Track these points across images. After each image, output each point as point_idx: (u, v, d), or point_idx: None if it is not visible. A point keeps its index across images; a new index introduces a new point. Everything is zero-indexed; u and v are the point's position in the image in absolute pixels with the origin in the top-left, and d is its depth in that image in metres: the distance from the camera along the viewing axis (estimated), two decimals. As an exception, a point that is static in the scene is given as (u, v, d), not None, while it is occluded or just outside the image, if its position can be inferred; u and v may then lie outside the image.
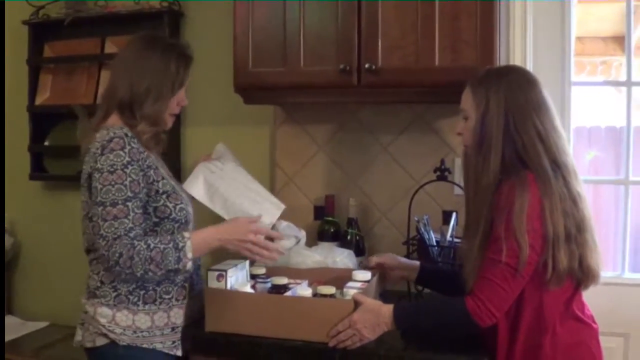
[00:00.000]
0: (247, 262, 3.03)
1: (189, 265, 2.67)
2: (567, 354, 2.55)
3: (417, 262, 3.17)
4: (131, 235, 2.60)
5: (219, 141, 4.03)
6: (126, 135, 2.69)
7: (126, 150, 2.65)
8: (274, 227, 3.24)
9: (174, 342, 2.83)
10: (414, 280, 3.16)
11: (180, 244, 2.65)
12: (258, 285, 2.99)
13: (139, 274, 2.61)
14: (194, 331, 2.86)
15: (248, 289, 2.89)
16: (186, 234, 2.69)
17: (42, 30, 4.38)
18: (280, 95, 3.49)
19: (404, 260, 3.22)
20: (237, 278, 2.92)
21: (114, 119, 2.80)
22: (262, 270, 3.09)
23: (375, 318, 2.65)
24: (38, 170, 4.44)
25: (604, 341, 2.70)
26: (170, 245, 2.63)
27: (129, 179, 2.63)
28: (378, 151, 3.77)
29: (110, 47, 4.25)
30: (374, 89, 3.25)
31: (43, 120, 4.42)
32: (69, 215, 4.34)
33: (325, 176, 3.87)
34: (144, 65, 2.81)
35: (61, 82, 4.38)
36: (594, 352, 2.62)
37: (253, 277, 3.05)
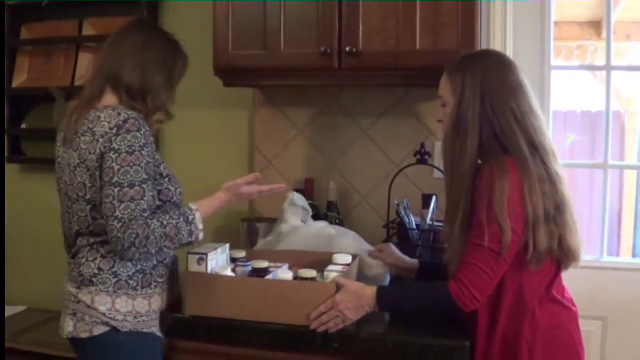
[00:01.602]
0: (227, 245, 3.02)
1: (201, 235, 2.68)
2: (546, 337, 2.56)
3: (415, 261, 3.14)
4: (145, 215, 2.57)
5: (198, 124, 4.03)
6: (139, 116, 2.66)
7: (142, 132, 2.62)
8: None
9: (158, 324, 2.82)
10: (414, 278, 3.12)
11: (190, 217, 2.65)
12: (238, 269, 2.98)
13: (153, 252, 2.60)
14: (174, 315, 2.85)
15: (228, 272, 2.88)
16: (193, 206, 2.69)
17: (19, 12, 4.35)
18: (260, 78, 3.48)
19: (403, 259, 3.15)
20: (218, 261, 2.91)
21: (112, 100, 2.75)
22: (242, 254, 3.08)
23: (358, 299, 2.64)
24: (15, 153, 4.41)
25: (583, 324, 2.72)
26: (181, 219, 2.63)
27: (144, 160, 2.60)
28: (358, 134, 3.78)
29: (88, 29, 4.23)
30: (355, 72, 3.27)
31: (20, 103, 4.40)
32: (46, 198, 4.31)
33: (305, 159, 3.88)
34: (157, 54, 2.80)
35: (38, 64, 4.35)
36: (573, 335, 2.64)
37: (233, 260, 3.03)
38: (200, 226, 2.67)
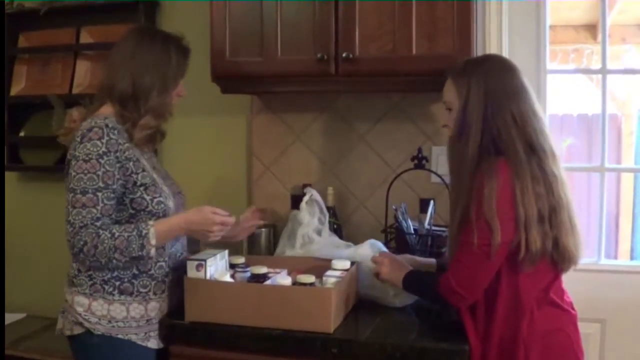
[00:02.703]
0: (227, 252, 3.03)
1: (153, 252, 2.66)
2: (544, 339, 2.57)
3: (433, 260, 3.15)
4: (97, 224, 2.62)
5: (196, 131, 4.03)
6: (106, 125, 2.69)
7: (103, 141, 2.66)
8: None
9: (146, 333, 2.82)
10: None
11: (144, 232, 2.65)
12: (237, 275, 2.98)
13: (103, 262, 2.63)
14: (174, 321, 2.85)
15: (227, 278, 2.88)
16: (150, 222, 2.69)
17: (16, 21, 4.35)
18: (258, 85, 3.48)
19: (418, 260, 3.15)
20: (217, 267, 2.91)
21: (107, 110, 2.80)
22: (241, 260, 3.08)
23: (397, 273, 2.85)
24: (13, 162, 4.40)
25: (581, 327, 2.72)
26: (134, 233, 2.63)
27: (102, 169, 2.65)
28: (355, 140, 3.79)
29: (85, 37, 4.24)
30: (351, 78, 3.27)
31: (18, 111, 4.39)
32: (45, 206, 4.33)
33: (303, 165, 3.88)
34: (146, 58, 2.82)
35: (36, 72, 4.36)
36: (571, 338, 2.65)
37: (232, 266, 3.04)
38: (153, 242, 2.65)
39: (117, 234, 2.61)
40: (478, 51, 3.30)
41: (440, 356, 2.58)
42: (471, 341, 2.61)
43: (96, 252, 2.59)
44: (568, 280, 2.69)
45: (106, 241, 2.59)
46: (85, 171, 2.63)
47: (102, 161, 2.64)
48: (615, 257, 4.54)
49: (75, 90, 4.21)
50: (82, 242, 2.58)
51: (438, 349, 2.59)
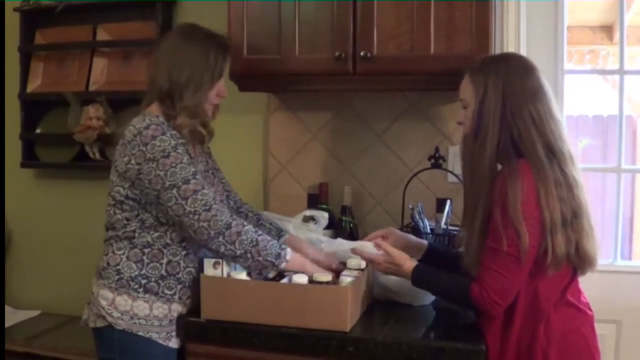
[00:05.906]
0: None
1: (283, 265, 2.75)
2: (561, 341, 2.55)
3: (425, 242, 3.13)
4: (217, 206, 2.67)
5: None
6: (162, 123, 2.72)
7: (168, 135, 2.68)
8: None
9: (167, 333, 2.82)
10: (418, 260, 3.06)
11: (283, 246, 2.77)
12: (254, 273, 2.98)
13: (237, 252, 2.68)
14: (190, 319, 2.85)
15: (244, 276, 2.87)
16: (283, 245, 2.81)
17: (33, 18, 4.36)
18: (275, 83, 3.49)
19: (410, 238, 3.14)
20: (234, 266, 2.92)
21: (154, 109, 2.82)
22: (258, 258, 3.09)
23: (398, 269, 2.79)
24: (29, 158, 4.41)
25: (597, 328, 2.70)
26: (275, 241, 2.75)
27: (184, 158, 2.68)
28: (372, 139, 3.79)
29: (102, 35, 4.25)
30: (369, 77, 3.27)
31: (34, 108, 4.40)
32: (61, 203, 4.33)
33: (319, 164, 3.88)
34: (183, 56, 2.81)
35: (53, 69, 4.36)
36: (588, 338, 2.63)
37: (249, 264, 3.05)
38: (288, 257, 2.76)
39: (259, 231, 2.71)
40: (496, 51, 3.29)
41: (457, 356, 2.57)
42: (489, 343, 2.60)
43: (238, 239, 2.65)
44: (583, 281, 2.68)
45: (250, 232, 2.66)
46: (173, 164, 2.64)
47: (179, 151, 2.68)
48: (630, 258, 4.51)
49: (91, 88, 4.22)
50: (221, 223, 2.64)
51: (455, 348, 2.58)
